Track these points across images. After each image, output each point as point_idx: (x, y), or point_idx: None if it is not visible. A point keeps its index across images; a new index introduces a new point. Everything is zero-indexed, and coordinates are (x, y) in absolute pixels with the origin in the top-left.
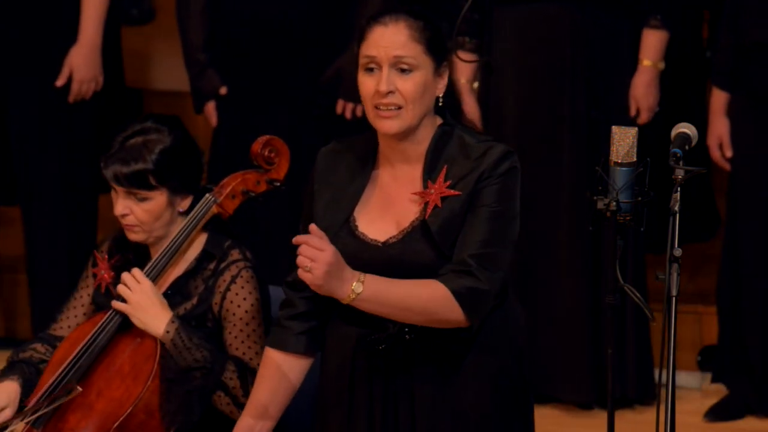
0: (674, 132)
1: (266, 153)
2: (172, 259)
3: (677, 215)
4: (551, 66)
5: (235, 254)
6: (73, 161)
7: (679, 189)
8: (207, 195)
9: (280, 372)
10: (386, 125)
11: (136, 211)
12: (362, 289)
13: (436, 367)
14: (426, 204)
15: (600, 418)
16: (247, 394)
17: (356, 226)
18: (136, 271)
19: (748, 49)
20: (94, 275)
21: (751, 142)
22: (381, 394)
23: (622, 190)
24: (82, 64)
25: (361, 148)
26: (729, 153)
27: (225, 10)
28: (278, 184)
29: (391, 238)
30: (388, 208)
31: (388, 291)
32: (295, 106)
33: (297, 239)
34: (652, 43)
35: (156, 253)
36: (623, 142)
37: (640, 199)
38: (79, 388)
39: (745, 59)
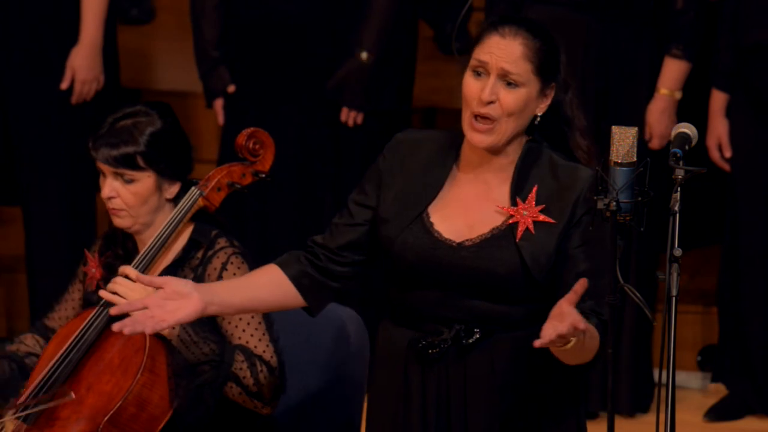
0: (674, 132)
1: (251, 145)
2: (160, 252)
3: (677, 215)
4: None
5: (222, 242)
6: (73, 161)
7: (679, 189)
8: (192, 188)
9: (264, 279)
10: (477, 138)
11: (123, 194)
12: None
13: (490, 377)
14: (515, 223)
15: (599, 420)
16: (257, 382)
17: (431, 223)
18: (128, 270)
19: (747, 49)
20: (85, 274)
21: (751, 143)
22: (434, 401)
23: (622, 190)
24: (84, 65)
25: (443, 144)
26: (728, 153)
27: (234, 8)
28: (264, 175)
29: (466, 240)
30: (464, 210)
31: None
32: (304, 105)
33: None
34: (671, 72)
35: (143, 246)
36: (623, 142)
37: (640, 199)
38: (73, 395)
39: (745, 60)
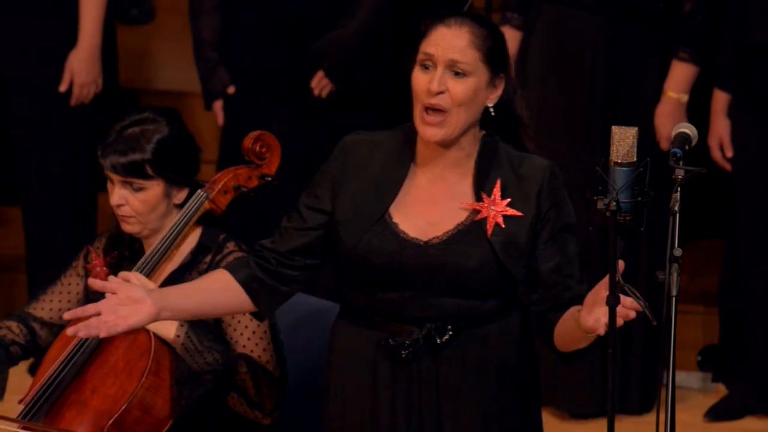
0: (674, 132)
1: (257, 148)
2: (166, 255)
3: (677, 215)
4: (572, 71)
5: (231, 246)
6: (72, 161)
7: (679, 189)
8: (199, 191)
9: (215, 284)
10: (429, 132)
11: (132, 202)
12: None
13: (462, 373)
14: (484, 219)
15: (598, 422)
16: (259, 393)
17: (395, 223)
18: (134, 275)
19: (749, 50)
20: (88, 271)
21: (752, 143)
22: (405, 400)
23: (622, 190)
24: (82, 68)
25: (397, 143)
26: (730, 153)
27: (234, 8)
28: (270, 179)
29: (434, 238)
30: (426, 208)
31: None
32: (304, 105)
33: None
34: (679, 75)
35: (150, 248)
36: (623, 142)
37: (640, 199)
38: None
39: (747, 60)
